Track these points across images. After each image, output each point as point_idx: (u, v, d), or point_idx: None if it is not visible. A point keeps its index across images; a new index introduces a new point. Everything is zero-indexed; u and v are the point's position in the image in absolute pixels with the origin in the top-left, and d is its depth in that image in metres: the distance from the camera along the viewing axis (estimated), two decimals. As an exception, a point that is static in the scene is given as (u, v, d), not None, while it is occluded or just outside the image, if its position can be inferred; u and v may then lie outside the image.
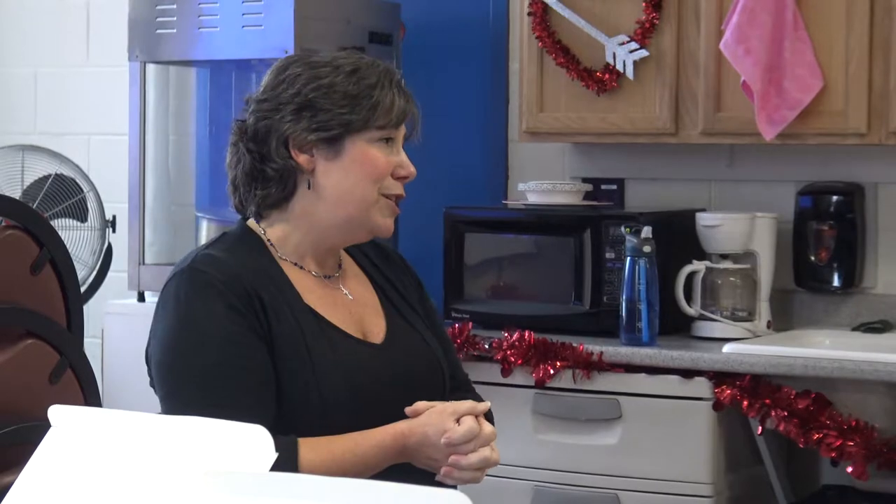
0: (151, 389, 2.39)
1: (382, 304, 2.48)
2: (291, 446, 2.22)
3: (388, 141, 2.39)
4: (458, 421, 2.30)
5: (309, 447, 2.25)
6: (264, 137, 2.38)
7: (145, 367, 2.38)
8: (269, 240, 2.41)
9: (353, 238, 2.45)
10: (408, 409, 2.32)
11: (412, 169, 2.43)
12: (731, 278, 4.16)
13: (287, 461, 2.18)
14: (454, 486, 2.29)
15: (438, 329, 2.57)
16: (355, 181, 2.37)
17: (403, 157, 2.42)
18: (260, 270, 2.35)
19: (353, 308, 2.43)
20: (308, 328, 2.33)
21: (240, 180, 2.41)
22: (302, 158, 2.36)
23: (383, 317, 2.46)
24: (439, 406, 2.32)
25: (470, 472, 2.29)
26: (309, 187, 2.38)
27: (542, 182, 4.41)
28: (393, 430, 2.29)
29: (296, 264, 2.41)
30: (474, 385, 2.61)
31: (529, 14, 4.40)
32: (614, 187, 4.61)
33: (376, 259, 2.56)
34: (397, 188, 2.41)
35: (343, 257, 2.50)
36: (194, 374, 2.27)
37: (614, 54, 4.27)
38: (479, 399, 2.44)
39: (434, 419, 2.29)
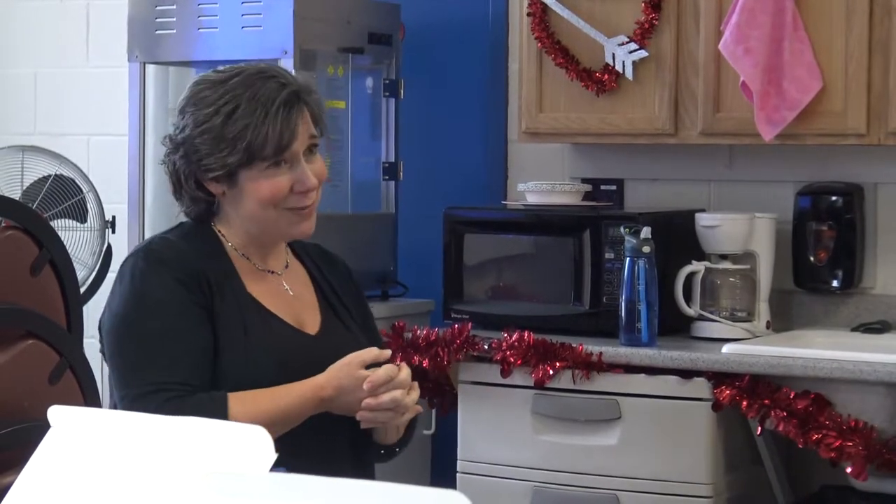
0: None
1: (320, 303, 2.71)
2: (222, 400, 2.47)
3: (282, 163, 2.55)
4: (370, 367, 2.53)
5: (237, 401, 2.47)
6: (174, 172, 2.62)
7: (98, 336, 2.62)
8: (220, 230, 2.64)
9: (280, 240, 2.66)
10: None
11: (311, 183, 2.58)
12: (731, 279, 4.16)
13: (218, 411, 2.44)
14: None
15: (372, 333, 2.79)
16: (253, 208, 2.58)
17: (301, 171, 2.57)
18: (210, 256, 2.59)
19: (293, 302, 2.66)
20: (247, 310, 2.57)
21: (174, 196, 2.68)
22: (212, 187, 2.59)
23: (319, 314, 2.68)
24: (347, 358, 2.54)
25: (383, 412, 2.52)
26: (226, 199, 2.60)
27: (541, 182, 4.41)
28: (312, 384, 2.53)
29: (244, 255, 2.63)
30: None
31: (529, 15, 4.40)
32: (614, 188, 4.61)
33: (321, 263, 2.77)
34: (299, 202, 2.58)
35: (290, 258, 2.72)
36: (141, 337, 2.52)
37: (613, 55, 4.27)
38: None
39: (345, 371, 2.53)
